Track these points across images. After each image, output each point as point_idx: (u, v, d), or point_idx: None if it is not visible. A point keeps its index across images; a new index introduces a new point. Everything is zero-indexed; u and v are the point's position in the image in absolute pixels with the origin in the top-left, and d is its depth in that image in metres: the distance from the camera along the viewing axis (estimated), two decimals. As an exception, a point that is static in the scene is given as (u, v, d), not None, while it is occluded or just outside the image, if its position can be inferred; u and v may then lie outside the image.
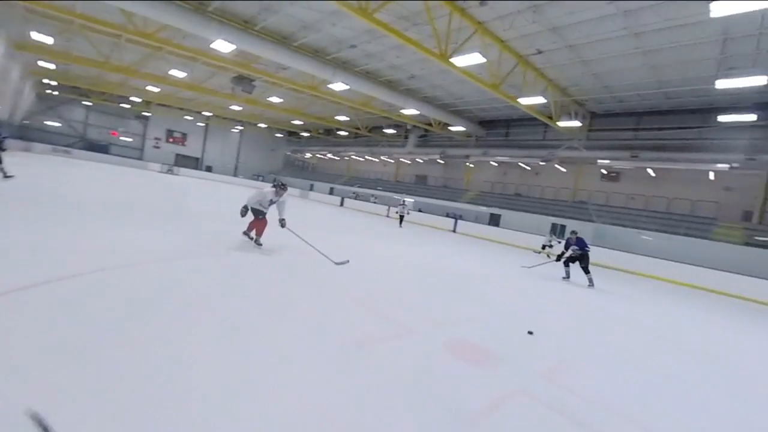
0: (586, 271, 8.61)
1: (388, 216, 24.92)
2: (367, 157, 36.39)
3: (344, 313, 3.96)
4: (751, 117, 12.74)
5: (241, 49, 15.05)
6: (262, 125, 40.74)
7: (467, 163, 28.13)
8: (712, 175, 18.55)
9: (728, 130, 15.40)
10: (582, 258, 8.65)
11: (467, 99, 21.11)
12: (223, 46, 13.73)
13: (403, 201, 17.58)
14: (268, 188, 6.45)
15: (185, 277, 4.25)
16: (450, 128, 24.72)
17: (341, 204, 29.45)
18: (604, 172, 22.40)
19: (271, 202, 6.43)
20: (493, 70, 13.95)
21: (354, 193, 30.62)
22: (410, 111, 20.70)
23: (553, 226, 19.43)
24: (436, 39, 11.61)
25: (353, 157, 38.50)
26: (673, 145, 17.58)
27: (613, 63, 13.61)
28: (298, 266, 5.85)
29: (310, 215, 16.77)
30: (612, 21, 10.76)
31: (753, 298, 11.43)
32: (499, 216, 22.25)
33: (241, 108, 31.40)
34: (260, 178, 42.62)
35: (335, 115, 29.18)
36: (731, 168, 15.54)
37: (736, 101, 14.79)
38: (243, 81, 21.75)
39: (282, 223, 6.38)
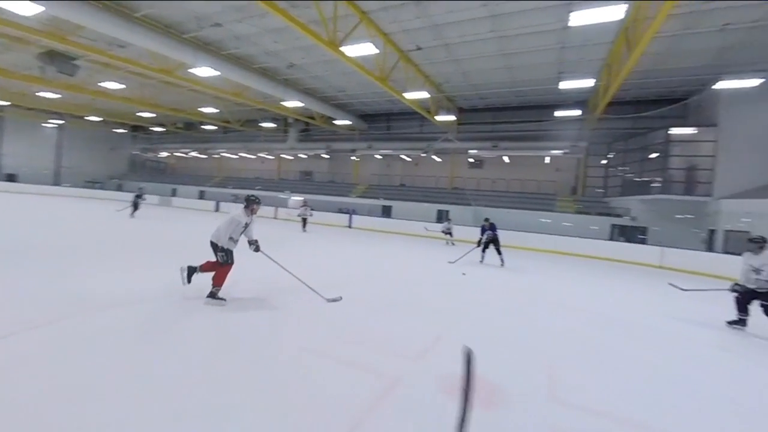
0: (499, 252, 9.45)
1: (275, 218, 22.92)
2: (242, 154, 32.74)
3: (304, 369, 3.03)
4: (577, 112, 16.11)
5: (53, 14, 11.07)
6: (94, 118, 32.00)
7: (353, 157, 28.11)
8: (548, 160, 23.10)
9: (561, 123, 19.24)
10: (495, 241, 9.42)
11: (350, 92, 20.82)
12: (22, 6, 9.79)
13: (305, 201, 16.16)
14: (235, 211, 4.76)
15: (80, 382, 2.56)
16: (334, 122, 24.11)
17: (216, 209, 25.73)
18: (471, 160, 25.49)
19: (245, 228, 4.79)
20: (380, 63, 13.89)
21: (234, 196, 27.11)
22: (292, 103, 19.20)
23: (439, 212, 21.11)
24: (324, 25, 10.75)
25: (224, 154, 34.13)
26: (522, 135, 21.09)
27: (479, 63, 15.19)
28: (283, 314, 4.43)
29: (185, 228, 13.87)
30: (482, 23, 11.85)
31: (594, 255, 14.61)
32: (390, 207, 22.97)
33: (58, 96, 23.90)
34: (98, 185, 33.86)
35: (199, 107, 25.04)
36: (564, 153, 19.48)
37: (566, 99, 18.49)
38: (58, 59, 16.40)
39: (255, 246, 4.85)
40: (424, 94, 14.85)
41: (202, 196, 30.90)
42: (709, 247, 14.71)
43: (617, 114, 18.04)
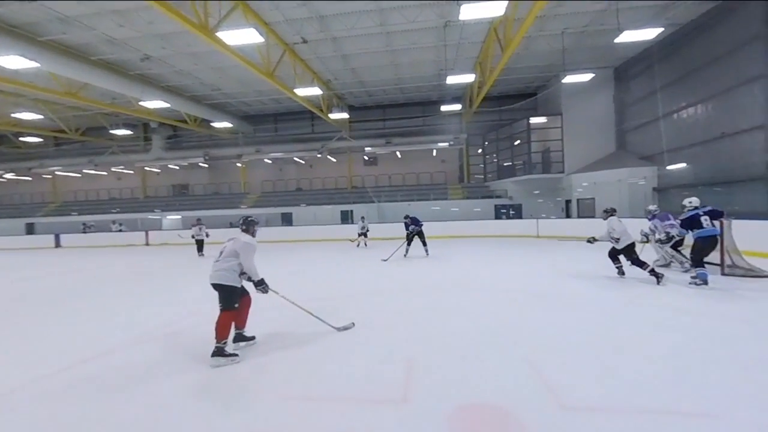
0: (424, 243, 9.88)
1: (147, 244, 18.96)
2: (86, 171, 26.17)
3: None
4: (457, 106, 17.55)
5: None
6: None
7: (239, 164, 25.27)
8: (435, 152, 24.87)
9: (443, 117, 20.78)
10: (420, 233, 9.89)
11: (228, 91, 18.47)
12: None
13: (198, 220, 13.38)
14: (243, 238, 3.65)
15: None
16: (212, 125, 21.11)
17: (57, 245, 19.90)
18: (366, 158, 25.70)
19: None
20: (264, 57, 12.51)
21: (85, 224, 21.28)
22: (153, 104, 15.93)
23: (344, 213, 20.59)
24: (192, 7, 8.96)
25: (60, 173, 26.80)
26: (411, 131, 22.12)
27: (367, 59, 15.13)
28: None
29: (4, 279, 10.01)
30: (369, 17, 11.68)
31: (487, 234, 16.14)
32: (291, 214, 21.41)
33: None
34: None
35: (12, 113, 18.80)
36: (450, 145, 21.13)
37: (446, 95, 19.99)
38: None
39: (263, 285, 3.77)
40: (316, 91, 14.02)
41: (31, 230, 23.60)
42: (567, 215, 17.88)
43: (487, 108, 20.36)
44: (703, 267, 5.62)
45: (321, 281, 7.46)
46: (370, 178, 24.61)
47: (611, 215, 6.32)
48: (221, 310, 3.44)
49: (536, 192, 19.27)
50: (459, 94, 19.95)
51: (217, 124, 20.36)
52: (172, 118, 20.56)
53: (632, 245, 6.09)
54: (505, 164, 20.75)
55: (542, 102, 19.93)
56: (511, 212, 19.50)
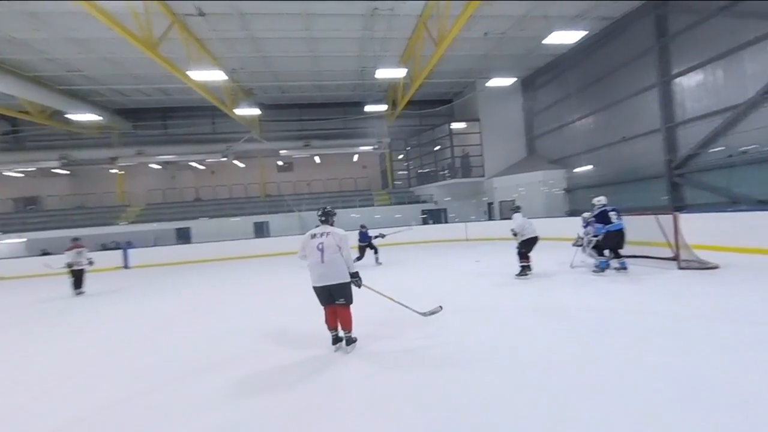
0: (376, 252, 9.87)
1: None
2: None
3: None
4: (382, 107, 16.60)
5: None
6: None
7: (114, 170, 20.20)
8: (356, 157, 23.64)
9: (366, 120, 19.64)
10: (371, 245, 9.87)
11: (92, 74, 14.31)
12: None
13: (76, 240, 9.19)
14: (338, 231, 3.53)
15: None
16: (71, 118, 16.17)
17: None
18: (280, 163, 23.14)
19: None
20: (143, 26, 9.59)
21: None
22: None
23: (258, 225, 17.80)
24: None
25: None
26: (332, 133, 20.50)
27: (282, 45, 13.09)
28: None
29: None
30: (284, -9, 9.85)
31: (418, 241, 15.37)
32: (188, 229, 17.66)
33: None
34: None
35: None
36: (374, 149, 20.09)
37: (367, 97, 18.87)
38: None
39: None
40: (218, 76, 11.37)
41: None
42: (490, 217, 18.32)
43: (410, 111, 19.90)
44: (605, 257, 6.34)
45: (228, 316, 5.34)
46: (286, 184, 22.12)
47: (515, 212, 6.79)
48: (347, 305, 3.45)
49: (460, 195, 19.40)
50: (381, 96, 19.09)
51: (76, 117, 15.50)
52: (7, 107, 15.19)
53: (531, 240, 6.45)
54: (427, 169, 20.59)
55: (460, 108, 20.34)
56: (441, 216, 19.30)
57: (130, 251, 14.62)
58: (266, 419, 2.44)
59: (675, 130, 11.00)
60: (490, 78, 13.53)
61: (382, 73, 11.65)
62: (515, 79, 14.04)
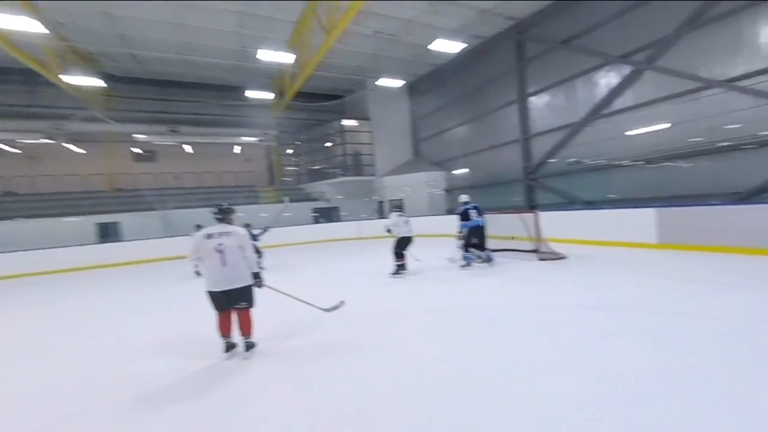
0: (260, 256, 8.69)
1: None
2: None
3: None
4: (268, 95, 15.12)
5: None
6: None
7: None
8: (237, 149, 21.27)
9: (250, 108, 17.69)
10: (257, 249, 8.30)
11: None
12: None
13: None
14: (239, 231, 3.36)
15: None
16: None
17: None
18: (139, 151, 19.16)
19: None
20: None
21: None
22: None
23: (102, 226, 14.17)
24: None
25: None
26: (208, 120, 17.87)
27: (134, 4, 10.57)
28: None
29: None
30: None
31: (310, 241, 14.59)
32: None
33: None
34: None
35: None
36: (259, 141, 18.28)
37: (251, 81, 16.96)
38: None
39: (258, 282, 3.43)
40: (33, 26, 8.34)
41: None
42: (381, 215, 18.72)
43: (300, 102, 18.76)
44: (469, 252, 6.72)
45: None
46: (145, 177, 18.37)
47: (393, 211, 6.97)
48: (249, 309, 3.31)
49: (353, 194, 19.26)
50: (266, 84, 17.46)
51: None
52: None
53: (404, 240, 6.57)
54: (319, 166, 19.87)
55: (351, 105, 20.19)
56: (333, 215, 18.80)
57: None
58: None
59: (530, 141, 12.97)
60: (379, 77, 13.65)
61: (266, 55, 10.46)
62: (403, 82, 14.48)
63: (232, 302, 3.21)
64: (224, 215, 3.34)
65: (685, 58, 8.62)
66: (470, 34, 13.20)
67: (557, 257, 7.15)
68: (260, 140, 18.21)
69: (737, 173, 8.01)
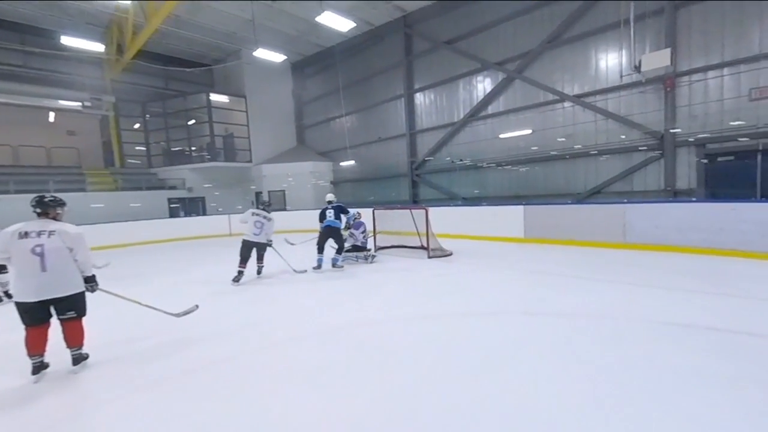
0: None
1: None
2: None
3: None
4: (99, 47, 11.31)
5: None
6: None
7: None
8: (53, 117, 15.81)
9: (72, 63, 13.15)
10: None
11: None
12: None
13: None
14: (68, 229, 2.85)
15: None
16: None
17: None
18: None
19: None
20: None
21: None
22: None
23: None
24: None
25: None
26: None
27: None
28: None
29: None
30: None
31: (165, 239, 11.73)
32: None
33: None
34: None
35: None
36: (84, 107, 13.82)
37: (70, 24, 12.53)
38: None
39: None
40: None
41: None
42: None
43: (149, 65, 14.88)
44: (321, 253, 6.25)
45: None
46: None
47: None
48: (80, 318, 2.89)
49: (223, 182, 16.52)
50: (96, 32, 13.24)
51: None
52: None
53: (246, 244, 5.64)
54: (178, 147, 16.41)
55: (222, 78, 17.26)
56: (198, 207, 15.76)
57: None
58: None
59: (416, 137, 13.11)
60: (257, 48, 11.70)
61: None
62: (285, 58, 12.75)
63: (50, 314, 2.74)
64: (45, 209, 2.78)
65: (546, 72, 9.72)
66: (360, 18, 12.46)
67: (445, 254, 7.09)
68: (84, 105, 13.76)
69: (580, 176, 9.44)
